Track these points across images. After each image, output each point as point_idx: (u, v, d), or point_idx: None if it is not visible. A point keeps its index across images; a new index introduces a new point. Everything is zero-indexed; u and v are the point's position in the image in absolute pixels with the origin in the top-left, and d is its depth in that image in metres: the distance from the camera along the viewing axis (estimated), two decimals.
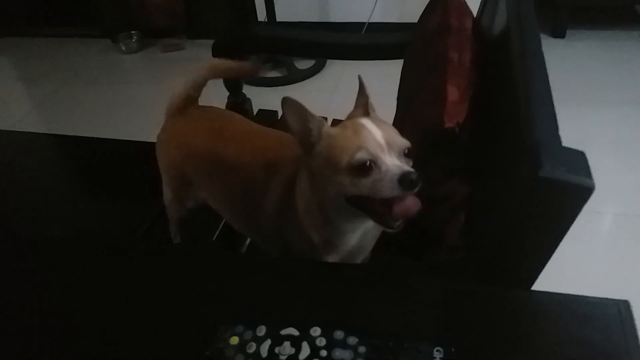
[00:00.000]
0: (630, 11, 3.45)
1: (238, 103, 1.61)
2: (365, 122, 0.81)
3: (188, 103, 1.14)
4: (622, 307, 0.61)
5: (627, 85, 2.81)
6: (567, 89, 2.75)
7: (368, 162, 0.76)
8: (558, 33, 3.22)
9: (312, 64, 3.13)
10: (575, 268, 1.69)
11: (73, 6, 3.74)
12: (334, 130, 0.83)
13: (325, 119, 0.94)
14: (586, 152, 0.60)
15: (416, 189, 0.76)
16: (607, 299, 0.62)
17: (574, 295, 0.64)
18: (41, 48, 3.80)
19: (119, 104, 3.04)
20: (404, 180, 0.74)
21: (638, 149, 2.35)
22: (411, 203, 0.77)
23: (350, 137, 0.79)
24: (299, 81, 3.05)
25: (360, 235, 0.92)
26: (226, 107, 1.63)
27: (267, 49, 2.29)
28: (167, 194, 1.21)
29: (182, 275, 0.76)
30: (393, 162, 0.76)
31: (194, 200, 1.16)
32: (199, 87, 1.15)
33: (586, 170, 0.58)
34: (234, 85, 1.63)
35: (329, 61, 3.19)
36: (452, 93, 0.92)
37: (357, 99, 0.90)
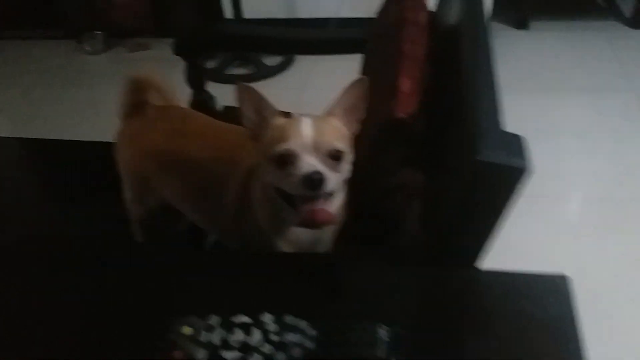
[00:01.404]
0: (591, 2, 3.53)
1: (201, 100, 1.60)
2: (304, 119, 0.83)
3: (138, 106, 1.14)
4: (560, 281, 0.64)
5: (590, 74, 2.88)
6: (532, 79, 2.81)
7: (288, 157, 0.79)
8: (522, 25, 3.28)
9: (280, 60, 3.13)
10: (542, 249, 1.74)
11: (35, 7, 3.67)
12: (278, 122, 0.85)
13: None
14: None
15: (320, 191, 0.77)
16: (545, 274, 0.65)
17: (515, 272, 0.66)
18: (3, 51, 3.73)
19: (85, 105, 3.00)
20: (306, 179, 0.76)
21: (601, 135, 2.42)
22: (317, 212, 0.78)
23: (282, 130, 0.81)
24: (268, 77, 3.05)
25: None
26: (189, 104, 1.62)
27: (232, 47, 2.29)
28: (128, 194, 1.21)
29: (137, 271, 0.76)
30: (310, 161, 0.78)
31: (155, 200, 1.16)
32: (137, 93, 1.14)
33: (521, 153, 0.60)
34: (196, 83, 1.62)
35: (297, 57, 3.19)
36: (405, 85, 0.94)
37: None
